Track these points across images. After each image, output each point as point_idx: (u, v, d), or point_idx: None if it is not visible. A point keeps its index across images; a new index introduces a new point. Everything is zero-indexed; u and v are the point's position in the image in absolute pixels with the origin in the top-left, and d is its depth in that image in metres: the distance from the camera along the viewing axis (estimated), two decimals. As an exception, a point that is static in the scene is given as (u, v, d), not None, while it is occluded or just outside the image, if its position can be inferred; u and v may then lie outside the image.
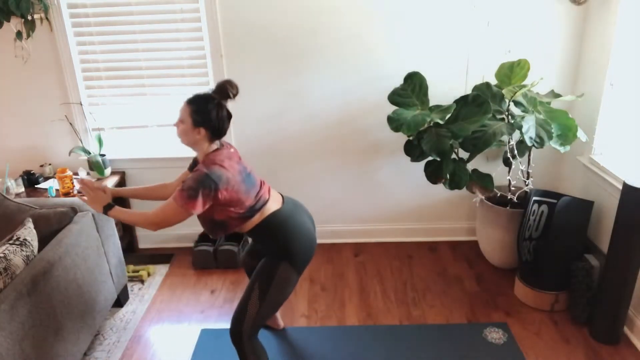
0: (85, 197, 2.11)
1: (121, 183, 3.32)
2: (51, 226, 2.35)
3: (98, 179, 3.18)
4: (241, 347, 2.06)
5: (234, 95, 1.96)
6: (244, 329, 2.03)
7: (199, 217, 2.03)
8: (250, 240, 2.32)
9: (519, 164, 2.97)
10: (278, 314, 2.67)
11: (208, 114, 1.91)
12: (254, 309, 2.03)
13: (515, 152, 2.84)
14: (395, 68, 3.03)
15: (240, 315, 2.04)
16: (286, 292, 2.08)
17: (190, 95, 1.96)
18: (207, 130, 1.93)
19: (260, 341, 2.16)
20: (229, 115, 1.98)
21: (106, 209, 2.05)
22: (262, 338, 2.61)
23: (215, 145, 2.01)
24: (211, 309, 2.88)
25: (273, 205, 2.09)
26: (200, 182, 1.87)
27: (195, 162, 2.20)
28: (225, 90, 1.94)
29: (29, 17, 2.84)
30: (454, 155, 2.83)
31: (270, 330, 2.68)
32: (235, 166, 1.97)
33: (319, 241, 3.55)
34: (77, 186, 2.55)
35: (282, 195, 2.21)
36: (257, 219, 2.05)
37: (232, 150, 2.05)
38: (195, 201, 1.87)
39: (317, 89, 3.14)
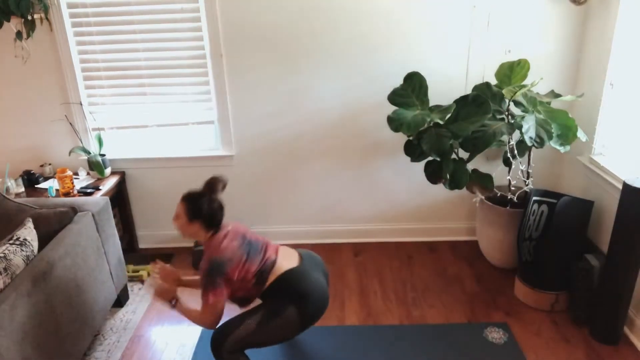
0: (157, 285, 2.19)
1: (121, 183, 3.33)
2: (51, 226, 2.34)
3: (98, 179, 3.18)
4: (219, 357, 2.10)
5: (223, 189, 2.14)
6: (227, 342, 2.05)
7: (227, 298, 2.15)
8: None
9: (519, 164, 2.97)
10: None
11: (200, 209, 2.06)
12: (247, 331, 2.06)
13: (515, 152, 2.84)
14: (395, 68, 3.03)
15: (231, 327, 2.08)
16: (282, 335, 2.11)
17: (184, 192, 2.12)
18: (202, 223, 2.09)
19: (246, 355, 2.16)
20: (221, 207, 2.13)
21: (173, 304, 2.17)
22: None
23: (212, 231, 2.14)
24: (211, 309, 2.88)
25: (285, 263, 2.18)
26: (210, 272, 2.03)
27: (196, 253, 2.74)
28: (214, 186, 2.12)
29: (29, 17, 2.84)
30: (454, 155, 2.83)
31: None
32: (234, 243, 2.10)
33: (319, 241, 3.55)
34: (149, 279, 2.78)
35: (299, 252, 2.29)
36: (270, 279, 2.13)
37: (229, 228, 2.16)
38: (218, 289, 2.03)
39: (317, 88, 3.14)
